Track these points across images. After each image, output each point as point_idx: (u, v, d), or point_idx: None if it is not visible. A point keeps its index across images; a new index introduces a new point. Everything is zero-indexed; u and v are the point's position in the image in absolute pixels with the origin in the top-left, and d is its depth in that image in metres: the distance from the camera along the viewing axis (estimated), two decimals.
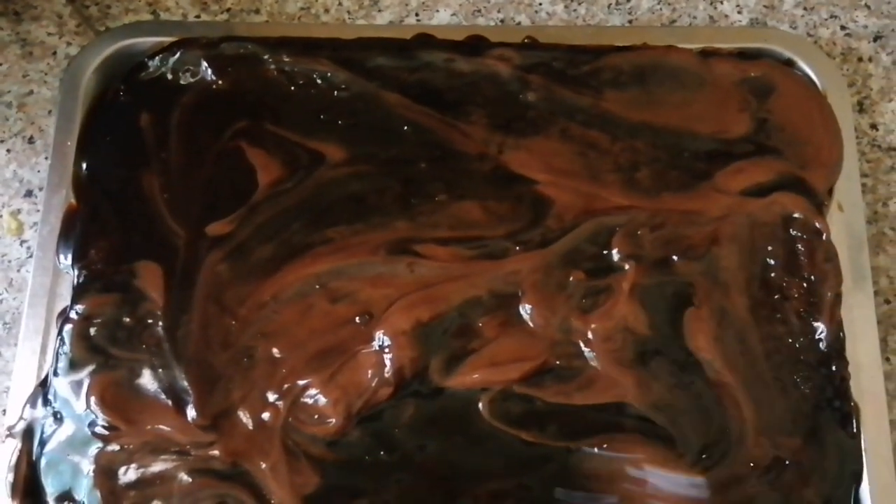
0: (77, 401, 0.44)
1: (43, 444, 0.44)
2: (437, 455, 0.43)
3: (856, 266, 0.47)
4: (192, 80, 0.51)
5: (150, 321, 0.46)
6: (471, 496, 0.43)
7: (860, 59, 0.55)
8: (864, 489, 0.43)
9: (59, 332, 0.46)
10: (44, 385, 0.45)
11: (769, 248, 0.47)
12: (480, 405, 0.43)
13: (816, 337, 0.46)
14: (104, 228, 0.48)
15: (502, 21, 0.55)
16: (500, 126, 0.50)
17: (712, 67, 0.51)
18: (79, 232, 0.48)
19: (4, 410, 0.46)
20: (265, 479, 0.43)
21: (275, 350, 0.45)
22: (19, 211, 0.52)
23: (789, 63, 0.52)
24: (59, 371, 0.45)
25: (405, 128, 0.50)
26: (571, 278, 0.46)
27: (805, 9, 0.56)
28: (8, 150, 0.53)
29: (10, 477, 0.44)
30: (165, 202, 0.48)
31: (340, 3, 0.56)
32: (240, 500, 0.42)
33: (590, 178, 0.49)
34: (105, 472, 0.43)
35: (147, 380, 0.45)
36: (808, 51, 0.52)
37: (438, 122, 0.50)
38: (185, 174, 0.49)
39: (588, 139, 0.50)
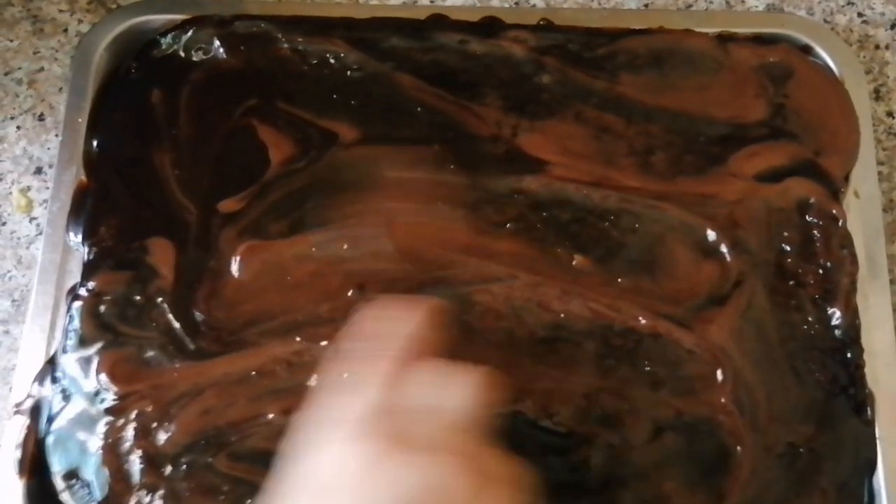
0: (85, 378, 0.44)
1: (50, 421, 0.44)
2: None
3: (871, 254, 0.47)
4: (204, 57, 0.51)
5: (160, 299, 0.45)
6: None
7: (877, 47, 0.55)
8: (879, 477, 0.43)
9: (69, 310, 0.46)
10: (52, 362, 0.45)
11: (785, 233, 0.47)
12: None
13: (832, 324, 0.45)
14: (115, 205, 0.48)
15: (517, 3, 0.55)
16: (514, 108, 0.49)
17: (730, 52, 0.50)
18: (89, 209, 0.48)
19: (12, 388, 0.45)
20: None
21: None
22: (29, 188, 0.51)
23: (806, 49, 0.51)
24: (67, 348, 0.45)
25: (418, 109, 0.50)
26: (574, 262, 0.46)
27: None
28: (18, 127, 0.53)
29: (18, 454, 0.43)
30: (177, 179, 0.48)
31: None
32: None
33: (604, 161, 0.48)
34: (113, 450, 0.43)
35: (157, 356, 0.44)
36: (826, 37, 0.52)
37: (452, 103, 0.50)
38: (196, 151, 0.48)
39: (603, 122, 0.49)
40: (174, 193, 0.47)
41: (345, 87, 0.50)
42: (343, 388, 0.35)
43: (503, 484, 0.33)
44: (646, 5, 0.55)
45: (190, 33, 0.51)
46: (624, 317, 0.45)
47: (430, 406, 0.33)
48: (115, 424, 0.43)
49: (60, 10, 0.55)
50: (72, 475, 0.43)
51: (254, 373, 0.44)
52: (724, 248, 0.46)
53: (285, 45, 0.51)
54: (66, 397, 0.44)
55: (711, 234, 0.46)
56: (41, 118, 0.53)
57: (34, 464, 0.43)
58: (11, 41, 0.55)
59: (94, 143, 0.49)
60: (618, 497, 0.42)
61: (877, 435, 0.44)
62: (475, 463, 0.32)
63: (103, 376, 0.44)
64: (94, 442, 0.43)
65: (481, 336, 0.45)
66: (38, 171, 0.52)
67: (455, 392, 0.34)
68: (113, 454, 0.43)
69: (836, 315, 0.45)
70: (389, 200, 0.47)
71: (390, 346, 0.35)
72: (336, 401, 0.34)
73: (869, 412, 0.44)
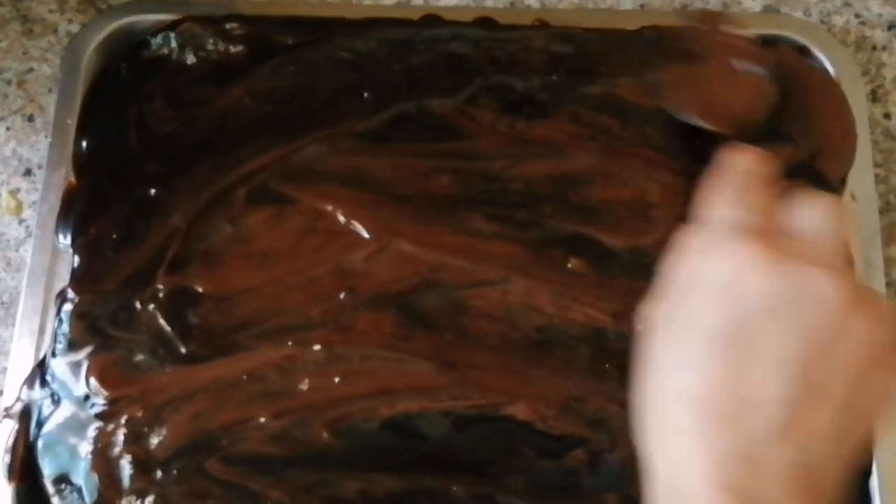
0: (75, 382, 0.44)
1: (40, 425, 0.44)
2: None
3: (868, 257, 0.47)
4: (194, 58, 0.50)
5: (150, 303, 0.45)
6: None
7: (874, 48, 0.54)
8: (873, 481, 0.43)
9: (58, 313, 0.45)
10: (42, 366, 0.45)
11: None
12: None
13: None
14: (104, 207, 0.47)
15: (512, 3, 0.55)
16: (508, 110, 0.49)
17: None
18: (78, 211, 0.47)
19: (1, 391, 0.45)
20: None
21: None
22: (18, 190, 0.51)
23: (803, 51, 0.51)
24: (57, 352, 0.44)
25: (412, 110, 0.49)
26: (569, 265, 0.46)
27: None
28: (7, 128, 0.52)
29: (7, 458, 0.43)
30: (167, 181, 0.47)
31: None
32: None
33: None
34: (103, 455, 0.43)
35: (148, 360, 0.44)
36: (823, 38, 0.52)
37: (445, 105, 0.49)
38: (186, 153, 0.48)
39: (598, 124, 0.49)
40: (164, 196, 0.47)
41: (337, 88, 0.49)
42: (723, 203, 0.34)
43: (873, 303, 0.31)
44: (641, 6, 0.55)
45: (180, 34, 0.51)
46: (619, 320, 0.44)
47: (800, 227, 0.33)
48: (105, 429, 0.43)
49: (50, 11, 0.55)
50: (62, 480, 0.43)
51: (245, 377, 0.44)
52: None
53: (276, 46, 0.50)
54: (56, 401, 0.44)
55: None
56: (30, 119, 0.52)
57: (24, 468, 0.43)
58: (0, 41, 0.54)
59: (84, 144, 0.49)
60: (610, 501, 0.42)
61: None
62: (849, 279, 0.31)
63: (93, 380, 0.44)
64: (84, 447, 0.43)
65: (475, 339, 0.44)
66: (28, 172, 0.51)
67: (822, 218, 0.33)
68: (103, 459, 0.42)
69: None
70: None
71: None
72: (718, 212, 0.34)
73: None
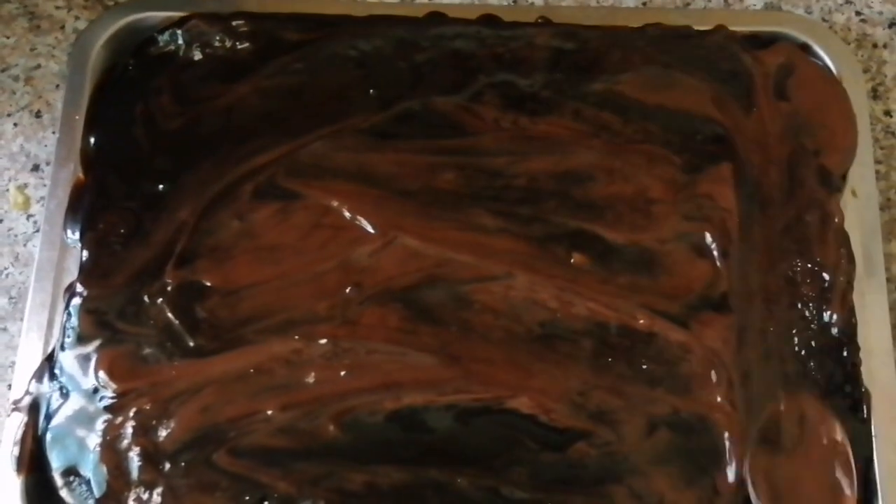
0: (84, 375, 0.44)
1: (49, 418, 0.44)
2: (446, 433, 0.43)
3: (868, 253, 0.47)
4: (201, 54, 0.51)
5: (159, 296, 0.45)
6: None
7: (875, 46, 0.55)
8: (875, 475, 0.43)
9: (66, 307, 0.46)
10: (50, 359, 0.45)
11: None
12: None
13: (828, 322, 0.45)
14: (112, 202, 0.48)
15: (515, 1, 0.55)
16: (512, 106, 0.49)
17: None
18: (86, 206, 0.48)
19: (10, 385, 0.45)
20: None
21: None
22: (26, 185, 0.51)
23: (804, 48, 0.52)
24: (65, 345, 0.45)
25: (416, 107, 0.49)
26: (572, 260, 0.46)
27: None
28: (15, 124, 0.53)
29: (16, 451, 0.43)
30: (174, 176, 0.48)
31: None
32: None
33: None
34: (111, 448, 0.43)
35: (156, 353, 0.44)
36: (824, 36, 0.52)
37: (449, 102, 0.49)
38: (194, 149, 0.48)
39: (600, 121, 0.49)
40: (172, 191, 0.47)
41: (342, 85, 0.50)
42: None
43: None
44: (644, 3, 0.55)
45: (187, 30, 0.51)
46: (621, 315, 0.45)
47: None
48: (114, 422, 0.43)
49: (57, 7, 0.55)
50: (70, 472, 0.43)
51: (252, 370, 0.44)
52: (721, 247, 0.46)
53: (283, 43, 0.51)
54: (65, 394, 0.44)
55: (708, 234, 0.46)
56: (38, 115, 0.53)
57: (33, 461, 0.43)
58: (8, 38, 0.55)
59: (92, 140, 0.49)
60: (613, 493, 0.42)
61: (873, 433, 0.44)
62: None
63: (102, 374, 0.44)
64: (93, 439, 0.43)
65: (479, 333, 0.45)
66: (36, 168, 0.52)
67: None
68: (111, 451, 0.43)
69: (832, 314, 0.45)
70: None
71: None
72: None
73: (865, 410, 0.44)
